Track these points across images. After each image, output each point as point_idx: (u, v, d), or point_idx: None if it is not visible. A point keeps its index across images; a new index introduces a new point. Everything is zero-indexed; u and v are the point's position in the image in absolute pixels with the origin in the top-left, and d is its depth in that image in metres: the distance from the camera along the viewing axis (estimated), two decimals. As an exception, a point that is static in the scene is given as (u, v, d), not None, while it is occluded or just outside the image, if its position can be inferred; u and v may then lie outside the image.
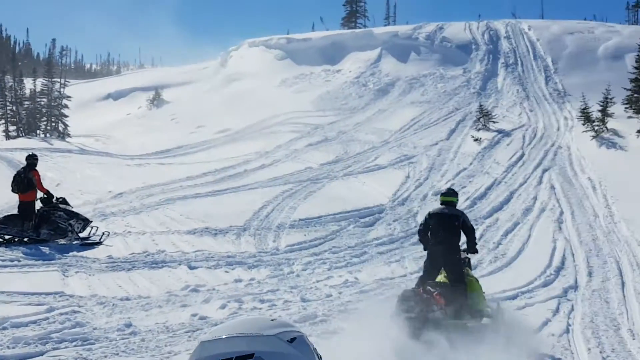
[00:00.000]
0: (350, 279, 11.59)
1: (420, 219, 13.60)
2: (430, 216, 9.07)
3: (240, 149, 24.63)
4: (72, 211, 13.46)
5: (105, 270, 11.17)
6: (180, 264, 11.77)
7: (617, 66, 33.61)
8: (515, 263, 12.75)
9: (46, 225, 13.00)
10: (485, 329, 8.31)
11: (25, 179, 13.07)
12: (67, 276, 10.66)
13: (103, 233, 13.21)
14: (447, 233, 8.79)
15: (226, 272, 11.60)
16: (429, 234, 9.03)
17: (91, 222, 13.65)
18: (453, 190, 9.60)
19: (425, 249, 9.18)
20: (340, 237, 14.43)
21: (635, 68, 26.61)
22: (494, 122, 26.46)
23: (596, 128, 23.54)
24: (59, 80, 37.20)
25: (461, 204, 16.93)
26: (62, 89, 31.19)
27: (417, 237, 9.97)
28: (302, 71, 38.25)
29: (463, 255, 8.98)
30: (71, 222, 13.13)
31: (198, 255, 12.46)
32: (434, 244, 8.86)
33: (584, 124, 24.12)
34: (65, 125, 29.55)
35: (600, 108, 24.19)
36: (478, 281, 9.04)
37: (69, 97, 30.40)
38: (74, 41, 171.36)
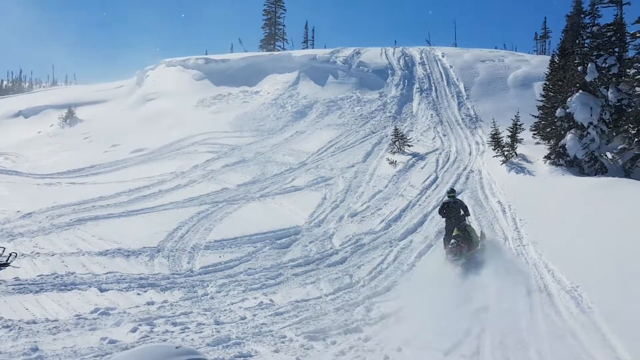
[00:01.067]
0: (265, 301, 11.70)
1: (336, 241, 16.10)
2: (444, 204, 15.05)
3: (156, 168, 24.34)
4: None
5: (11, 293, 10.87)
6: (90, 286, 11.59)
7: (526, 94, 35.23)
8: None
9: None
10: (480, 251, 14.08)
11: None
12: (-29, 299, 10.32)
13: (10, 254, 12.72)
14: (453, 212, 14.68)
15: (138, 294, 11.51)
16: (444, 212, 14.86)
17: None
18: (453, 189, 15.87)
19: (444, 219, 15.00)
20: (255, 259, 14.53)
21: (543, 96, 27.80)
22: (408, 145, 27.07)
23: (506, 153, 24.34)
24: (-35, 96, 35.83)
25: (375, 226, 17.42)
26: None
27: (332, 258, 14.79)
28: (220, 92, 38.19)
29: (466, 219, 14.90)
30: None
31: (109, 277, 12.29)
32: (448, 218, 14.77)
33: (494, 149, 24.90)
34: (-27, 143, 28.50)
35: (509, 134, 25.06)
36: (472, 227, 14.96)
37: (-23, 113, 29.38)
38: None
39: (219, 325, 10.18)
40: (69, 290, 11.28)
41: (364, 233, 16.88)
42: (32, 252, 13.56)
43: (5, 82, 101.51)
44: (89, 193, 20.28)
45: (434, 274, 13.62)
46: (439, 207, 15.74)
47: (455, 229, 14.40)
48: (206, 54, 49.01)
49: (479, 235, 14.95)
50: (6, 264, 12.50)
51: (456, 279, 13.15)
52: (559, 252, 14.11)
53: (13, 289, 11.09)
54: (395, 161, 24.74)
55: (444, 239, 14.88)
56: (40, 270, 12.30)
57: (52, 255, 13.51)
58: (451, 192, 15.48)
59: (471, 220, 15.59)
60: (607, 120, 22.22)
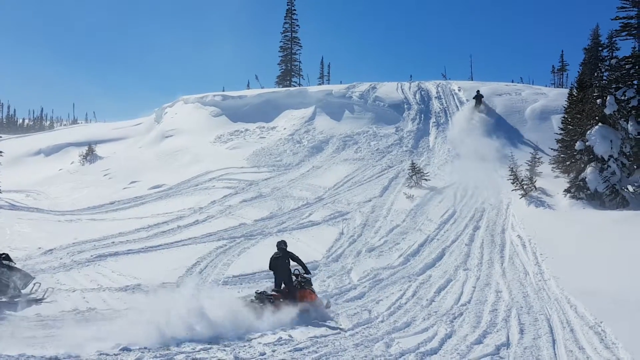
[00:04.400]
0: (285, 336, 11.63)
1: (354, 275, 16.06)
2: (475, 96, 19.67)
3: (174, 204, 24.47)
4: (15, 267, 13.08)
5: (33, 328, 10.90)
6: (110, 322, 11.59)
7: (544, 127, 35.06)
8: (446, 318, 13.01)
9: None
10: None
11: None
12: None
13: (47, 289, 12.91)
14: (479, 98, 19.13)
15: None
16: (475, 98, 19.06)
17: (34, 278, 13.29)
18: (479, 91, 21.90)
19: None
20: (274, 294, 14.48)
21: (561, 129, 27.76)
22: (426, 179, 27.03)
23: (525, 187, 24.31)
24: (-11, 135, 36.18)
25: (393, 261, 17.36)
26: (-8, 144, 30.55)
27: (350, 294, 14.49)
28: (237, 128, 38.43)
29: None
30: (13, 278, 12.71)
31: (129, 314, 12.29)
32: (476, 100, 20.18)
33: (513, 183, 24.91)
34: (-4, 181, 28.82)
35: (528, 167, 24.99)
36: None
37: (0, 152, 29.68)
38: (7, 96, 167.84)
39: (239, 361, 10.14)
40: (91, 326, 11.29)
41: (382, 268, 16.82)
42: (53, 289, 13.61)
43: (26, 121, 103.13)
44: (108, 229, 20.43)
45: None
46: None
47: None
48: (223, 91, 49.47)
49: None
50: (42, 299, 12.59)
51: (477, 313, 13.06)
52: (582, 287, 13.96)
53: (35, 325, 11.12)
54: (413, 195, 24.72)
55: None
56: (62, 306, 12.35)
57: (73, 291, 13.60)
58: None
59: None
60: (628, 153, 22.13)
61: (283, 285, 13.58)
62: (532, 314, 13.03)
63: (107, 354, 9.88)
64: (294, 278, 13.68)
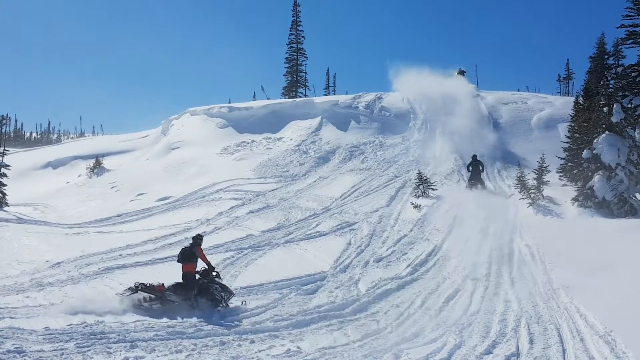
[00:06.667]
0: (293, 348, 11.62)
1: (362, 286, 15.97)
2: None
3: (181, 216, 24.51)
4: (224, 284, 14.79)
5: (42, 343, 10.90)
6: (119, 335, 11.59)
7: (551, 135, 35.08)
8: (455, 329, 12.95)
9: (205, 295, 14.28)
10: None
11: (190, 253, 14.70)
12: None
13: (242, 302, 14.46)
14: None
15: (165, 343, 11.47)
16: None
17: (234, 294, 14.69)
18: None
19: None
20: (282, 305, 14.47)
21: (568, 137, 27.74)
22: (432, 189, 26.99)
23: (532, 196, 24.27)
24: (-3, 149, 36.19)
25: (401, 271, 17.31)
26: (0, 158, 30.61)
27: (358, 304, 14.49)
28: (243, 139, 38.48)
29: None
30: (222, 294, 14.37)
31: (137, 326, 12.31)
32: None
33: (520, 192, 24.85)
34: (4, 195, 28.83)
35: (535, 176, 24.98)
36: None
37: (8, 166, 29.75)
38: (14, 110, 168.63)
39: (248, 374, 10.12)
40: (98, 339, 11.29)
41: (390, 278, 16.76)
42: (61, 302, 13.63)
43: (34, 135, 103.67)
44: (116, 242, 20.46)
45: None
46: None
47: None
48: (229, 102, 49.65)
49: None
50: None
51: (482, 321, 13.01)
52: (591, 296, 13.91)
53: (43, 338, 11.12)
54: (420, 205, 24.66)
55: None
56: (70, 319, 12.35)
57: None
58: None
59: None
60: (636, 161, 22.08)
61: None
62: (542, 324, 12.97)
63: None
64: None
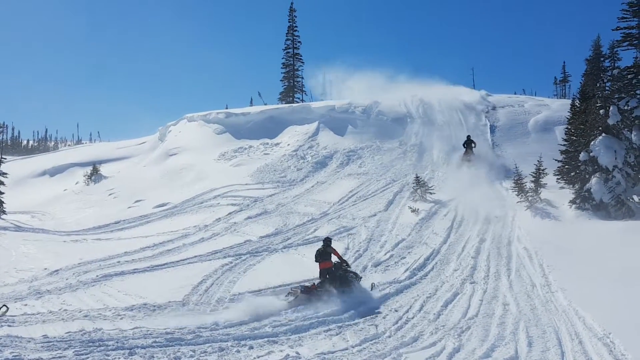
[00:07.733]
0: (292, 353, 11.61)
1: None
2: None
3: (179, 223, 24.49)
4: (355, 272, 16.74)
5: (40, 350, 10.89)
6: (117, 342, 11.58)
7: (548, 138, 35.11)
8: (454, 332, 12.95)
9: (345, 283, 15.93)
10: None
11: (325, 252, 16.30)
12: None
13: (372, 284, 16.53)
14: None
15: (164, 350, 11.46)
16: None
17: (362, 277, 16.69)
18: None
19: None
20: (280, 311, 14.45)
21: (565, 140, 27.73)
22: (430, 193, 26.91)
23: (530, 198, 24.27)
24: (-6, 157, 36.08)
25: (400, 275, 17.32)
26: (-3, 166, 30.65)
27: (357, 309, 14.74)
28: (240, 145, 38.43)
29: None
30: (355, 280, 16.19)
31: (136, 333, 12.29)
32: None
33: (518, 195, 24.84)
34: (1, 202, 28.79)
35: (533, 179, 24.98)
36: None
37: (5, 174, 29.71)
38: (11, 117, 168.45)
39: (247, 379, 10.10)
40: (96, 346, 11.27)
41: (388, 282, 16.77)
42: (59, 309, 13.62)
43: (31, 142, 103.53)
44: (114, 249, 20.46)
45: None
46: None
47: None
48: (226, 108, 49.55)
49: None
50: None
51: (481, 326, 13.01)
52: (589, 298, 13.91)
53: (42, 346, 11.10)
54: (418, 209, 24.64)
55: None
56: (68, 327, 12.34)
57: (80, 311, 13.58)
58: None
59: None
60: (632, 163, 22.10)
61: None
62: (540, 327, 12.96)
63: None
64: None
